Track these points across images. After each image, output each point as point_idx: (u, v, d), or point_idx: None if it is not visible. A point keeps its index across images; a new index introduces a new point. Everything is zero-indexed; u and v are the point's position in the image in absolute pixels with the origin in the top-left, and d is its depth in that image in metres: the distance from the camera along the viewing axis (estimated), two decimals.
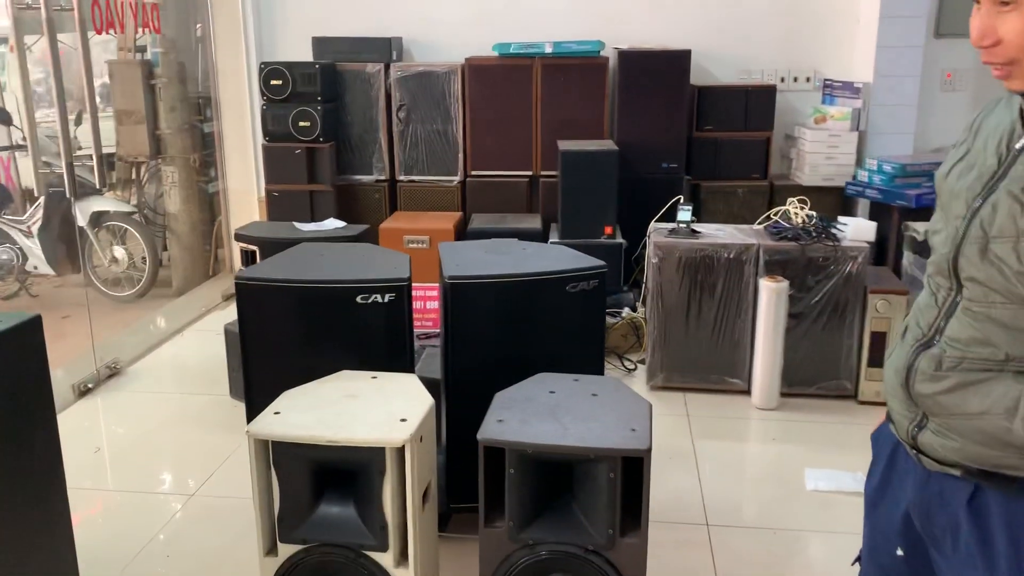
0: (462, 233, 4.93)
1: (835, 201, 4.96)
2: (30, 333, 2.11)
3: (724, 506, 2.96)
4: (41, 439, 2.16)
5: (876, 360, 3.66)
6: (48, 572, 2.21)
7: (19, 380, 2.07)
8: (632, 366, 4.12)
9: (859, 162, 4.95)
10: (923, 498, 1.39)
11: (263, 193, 5.27)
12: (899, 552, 1.46)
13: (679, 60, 4.84)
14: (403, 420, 2.02)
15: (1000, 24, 1.21)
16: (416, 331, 3.29)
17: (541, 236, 4.67)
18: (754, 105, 5.01)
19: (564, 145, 4.59)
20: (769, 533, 2.80)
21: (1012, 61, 1.22)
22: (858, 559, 1.62)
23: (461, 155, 5.15)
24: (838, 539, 2.76)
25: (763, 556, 2.69)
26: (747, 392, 3.77)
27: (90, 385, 3.95)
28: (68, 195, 4.51)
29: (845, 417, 3.62)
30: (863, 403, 3.71)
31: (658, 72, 4.85)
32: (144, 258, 5.49)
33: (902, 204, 4.50)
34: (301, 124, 4.93)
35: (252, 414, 2.50)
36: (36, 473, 2.15)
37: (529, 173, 5.12)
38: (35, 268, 5.54)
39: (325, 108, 4.95)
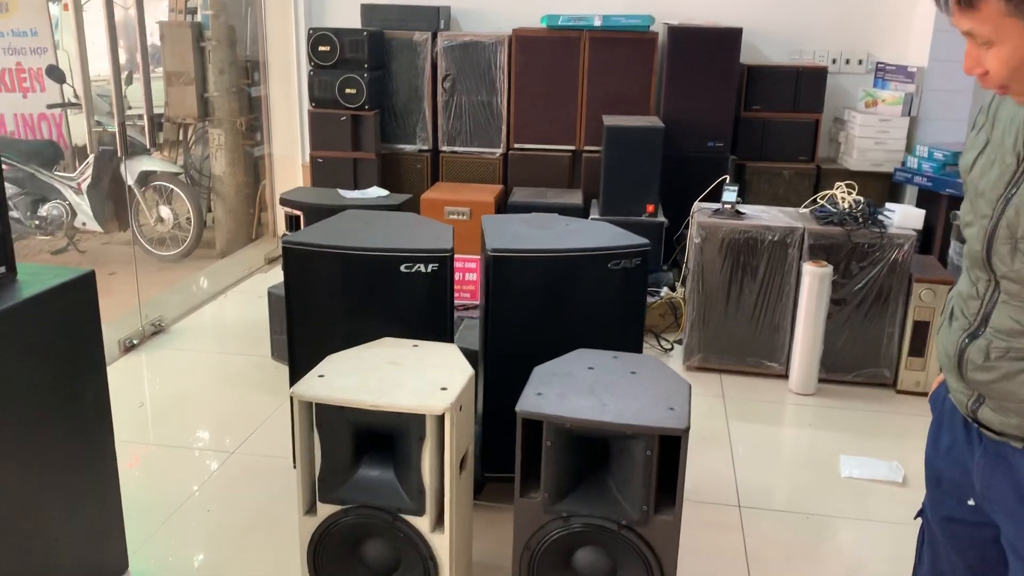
0: (502, 206, 4.94)
1: (882, 187, 4.89)
2: (84, 288, 2.16)
3: (757, 489, 2.96)
4: (92, 391, 2.22)
5: (917, 350, 3.62)
6: (97, 520, 2.29)
7: (72, 333, 2.13)
8: (669, 346, 4.12)
9: (909, 148, 4.86)
10: (986, 463, 1.43)
11: (307, 159, 5.32)
12: (971, 502, 1.50)
13: (730, 38, 4.77)
14: (444, 389, 2.05)
15: (983, 57, 1.26)
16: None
17: (582, 212, 4.66)
18: (804, 86, 4.93)
19: (609, 120, 4.57)
20: (801, 517, 2.80)
21: (1003, 86, 1.27)
22: (920, 514, 1.67)
23: (504, 127, 5.14)
24: (871, 526, 2.76)
25: (794, 540, 2.69)
26: (784, 376, 3.75)
27: (135, 341, 4.04)
28: (119, 154, 4.58)
29: (883, 406, 3.59)
30: (901, 392, 3.67)
31: (708, 49, 4.79)
32: (189, 219, 5.58)
33: (952, 192, 4.42)
34: (347, 91, 4.95)
35: (295, 376, 2.55)
36: (87, 424, 2.21)
37: (572, 148, 5.11)
38: (83, 224, 5.66)
39: (372, 76, 4.96)
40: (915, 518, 1.69)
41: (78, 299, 2.14)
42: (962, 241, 1.45)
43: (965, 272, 1.43)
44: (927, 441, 1.61)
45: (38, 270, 2.14)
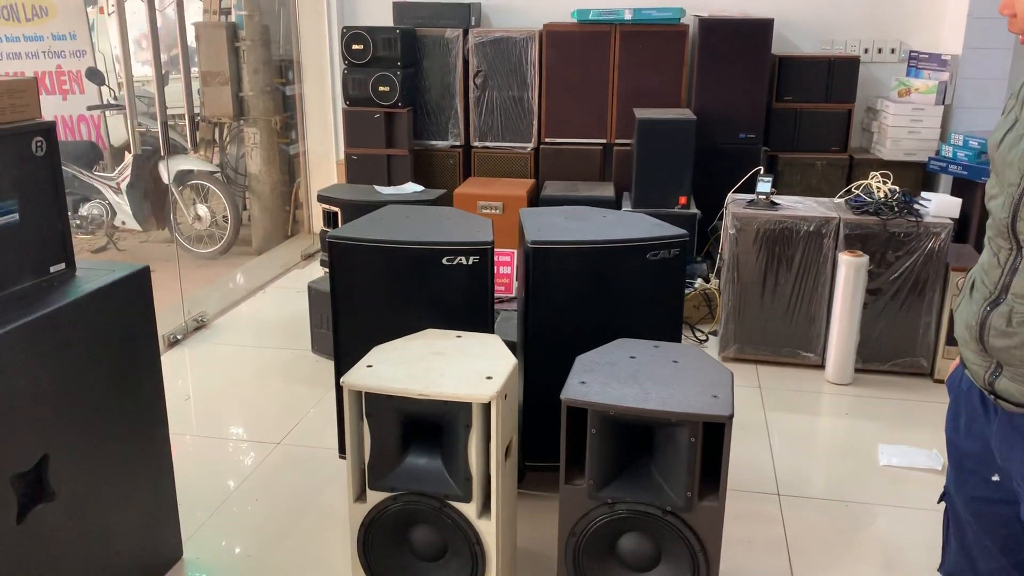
0: (535, 200, 4.98)
1: (916, 176, 4.86)
2: (139, 282, 2.23)
3: (795, 477, 2.98)
4: (148, 383, 2.29)
5: (954, 339, 3.60)
6: (153, 508, 2.36)
7: (129, 327, 2.20)
8: (703, 337, 4.14)
9: (943, 137, 4.83)
10: (1004, 435, 1.47)
11: (342, 156, 5.38)
12: (995, 478, 1.53)
13: (761, 29, 4.77)
14: (489, 378, 2.10)
15: (1016, 1, 1.32)
16: None
17: (614, 205, 4.69)
18: (836, 76, 4.93)
19: (641, 113, 4.58)
20: (840, 505, 2.82)
21: None
22: (942, 498, 1.71)
23: (536, 122, 5.17)
24: (910, 514, 2.77)
25: (833, 527, 2.71)
26: (821, 367, 3.76)
27: (179, 336, 4.13)
28: (163, 154, 4.68)
29: (920, 395, 3.59)
30: (939, 381, 3.66)
31: (739, 40, 4.79)
32: (226, 217, 5.67)
33: (987, 181, 4.38)
34: (381, 89, 5.01)
35: (339, 366, 2.61)
36: (143, 415, 2.29)
37: (603, 141, 5.13)
38: (123, 223, 5.78)
39: (404, 73, 5.01)
40: (939, 502, 1.72)
41: (134, 294, 2.21)
42: None
43: (987, 244, 1.48)
44: (946, 424, 1.65)
45: (95, 266, 2.21)
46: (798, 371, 3.79)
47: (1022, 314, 1.38)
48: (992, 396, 1.47)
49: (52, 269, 2.09)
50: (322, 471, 2.97)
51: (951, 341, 3.62)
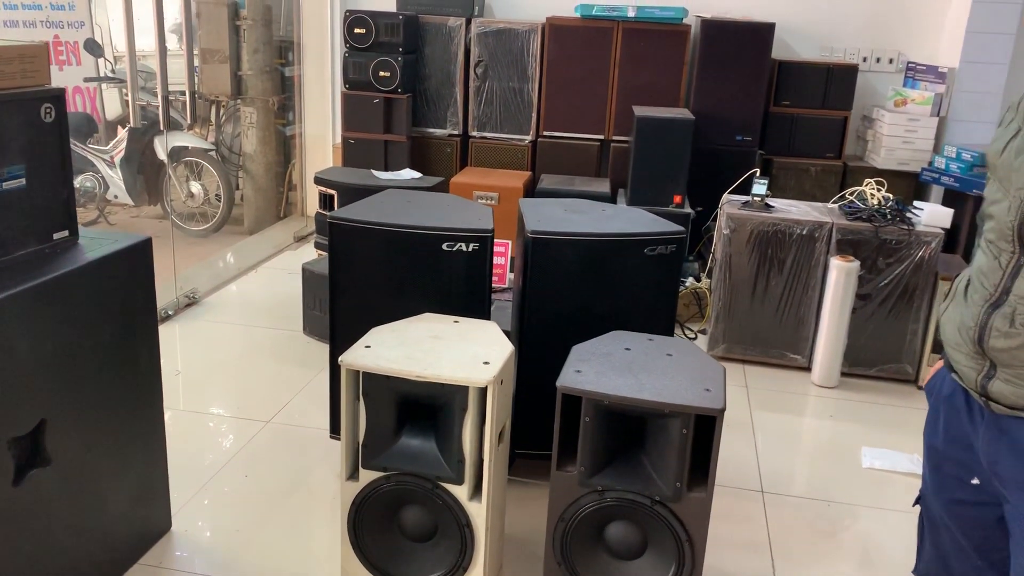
0: (531, 192, 4.99)
1: (908, 186, 4.91)
2: (141, 254, 2.24)
3: (779, 476, 3.02)
4: (145, 354, 2.30)
5: (941, 347, 3.65)
6: (145, 479, 2.37)
7: (129, 297, 2.21)
8: (693, 335, 4.17)
9: (937, 148, 4.88)
10: (991, 439, 1.49)
11: (339, 139, 5.38)
12: (975, 481, 1.56)
13: (762, 33, 4.80)
14: (486, 363, 2.12)
15: None
16: None
17: (609, 200, 4.70)
18: (834, 83, 4.96)
19: (640, 111, 4.61)
20: (823, 505, 2.86)
21: None
22: (918, 501, 1.74)
23: (535, 115, 5.19)
24: (891, 516, 2.81)
25: (815, 525, 2.75)
26: (807, 369, 3.81)
27: (170, 312, 4.12)
28: (163, 128, 4.66)
29: (904, 401, 3.64)
30: (923, 388, 3.71)
31: (740, 43, 4.82)
32: (218, 195, 5.66)
33: (978, 193, 4.44)
34: (381, 74, 5.00)
35: (336, 347, 2.62)
36: (140, 385, 2.30)
37: (601, 137, 5.15)
38: (115, 197, 5.75)
39: (405, 59, 5.01)
40: (914, 505, 1.75)
41: (135, 264, 2.22)
42: None
43: (984, 248, 1.50)
44: (925, 429, 1.68)
45: (97, 235, 2.22)
46: (785, 372, 3.83)
47: None
48: (983, 399, 1.49)
49: (55, 236, 2.09)
50: (311, 451, 2.98)
51: (937, 349, 3.67)
